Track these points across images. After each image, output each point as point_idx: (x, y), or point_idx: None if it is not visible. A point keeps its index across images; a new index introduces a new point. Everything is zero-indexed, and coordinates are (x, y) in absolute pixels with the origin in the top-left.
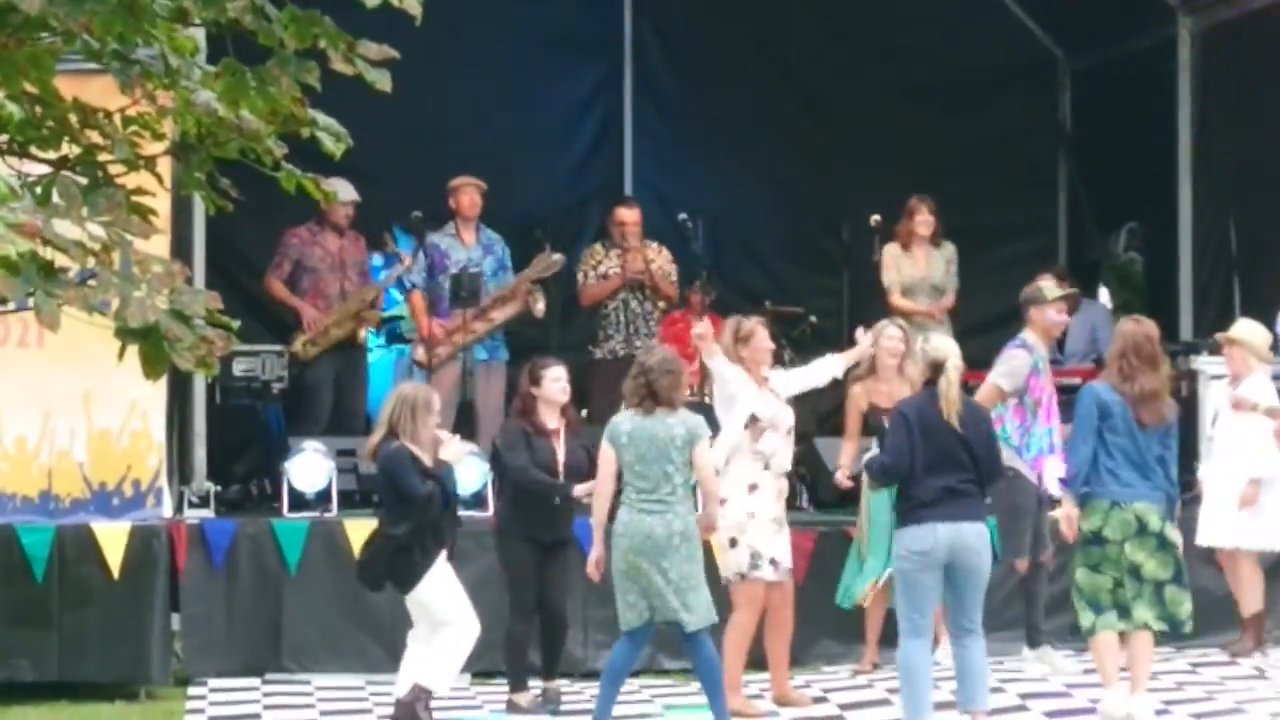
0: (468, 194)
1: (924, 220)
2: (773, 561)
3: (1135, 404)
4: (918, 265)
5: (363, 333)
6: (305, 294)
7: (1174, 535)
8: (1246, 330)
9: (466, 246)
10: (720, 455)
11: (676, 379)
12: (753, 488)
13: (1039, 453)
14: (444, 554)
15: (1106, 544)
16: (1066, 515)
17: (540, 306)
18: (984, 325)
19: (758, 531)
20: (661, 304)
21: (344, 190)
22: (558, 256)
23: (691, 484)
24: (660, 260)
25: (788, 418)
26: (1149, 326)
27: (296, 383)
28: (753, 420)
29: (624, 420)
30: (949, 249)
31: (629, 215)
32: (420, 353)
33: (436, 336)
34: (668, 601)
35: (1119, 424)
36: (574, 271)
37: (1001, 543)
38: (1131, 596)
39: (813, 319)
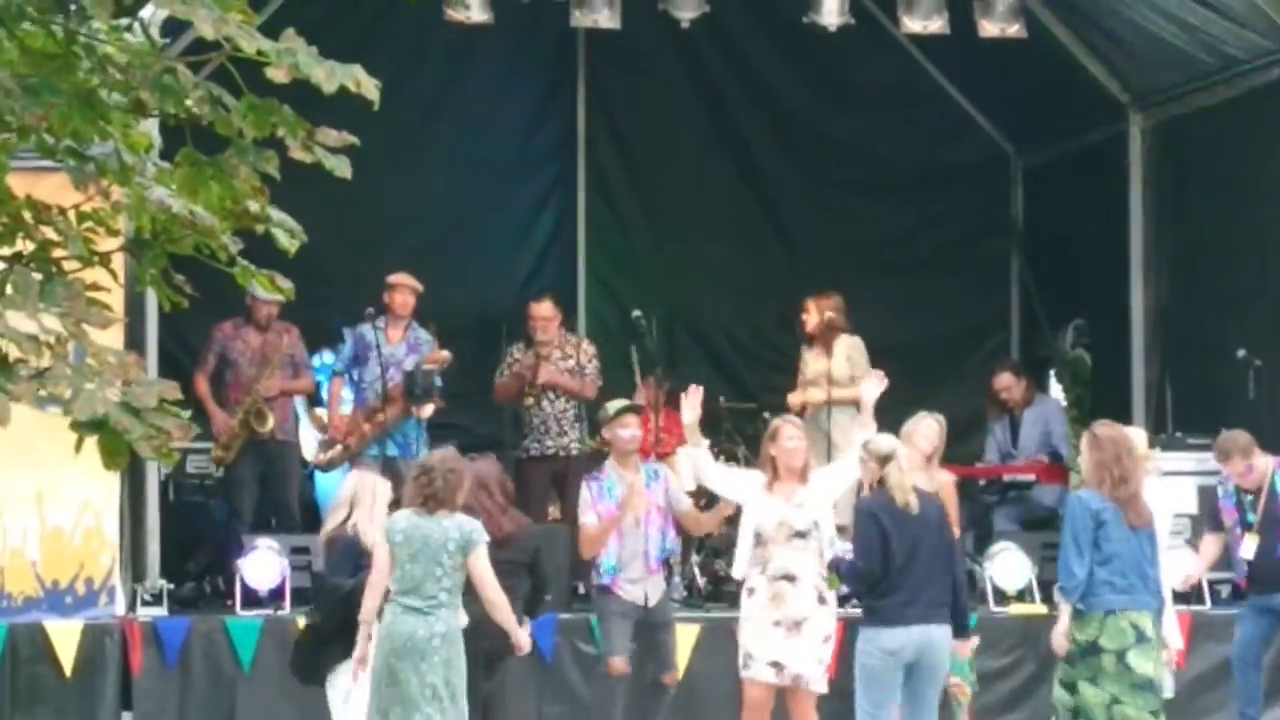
0: (401, 294)
1: (808, 318)
2: (775, 665)
3: (1125, 507)
4: (820, 360)
5: (268, 426)
6: (228, 387)
7: (1158, 643)
8: None
9: (391, 343)
10: (739, 572)
11: (457, 480)
12: (751, 591)
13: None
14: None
15: (1102, 654)
16: (1061, 629)
17: (426, 409)
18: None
19: (751, 633)
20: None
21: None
22: (445, 353)
23: (459, 589)
24: (579, 355)
25: (798, 520)
26: (1121, 428)
27: (224, 480)
28: (757, 538)
29: (401, 518)
30: (847, 342)
31: (539, 309)
32: (320, 455)
33: (333, 436)
34: (421, 709)
35: (1112, 531)
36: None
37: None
38: (1152, 711)
39: (766, 415)
